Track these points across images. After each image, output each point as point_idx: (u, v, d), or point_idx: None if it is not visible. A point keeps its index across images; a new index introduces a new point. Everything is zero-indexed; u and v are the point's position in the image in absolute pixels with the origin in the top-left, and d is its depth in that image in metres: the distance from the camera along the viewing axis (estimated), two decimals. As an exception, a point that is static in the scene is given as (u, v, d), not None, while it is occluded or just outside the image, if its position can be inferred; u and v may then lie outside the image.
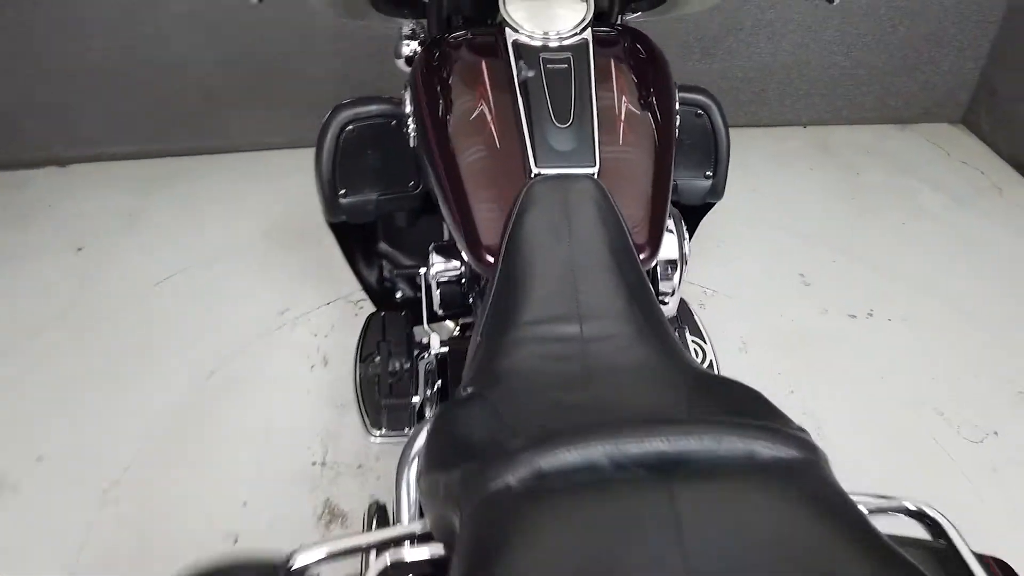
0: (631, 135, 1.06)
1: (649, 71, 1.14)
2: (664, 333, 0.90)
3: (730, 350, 1.98)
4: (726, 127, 1.41)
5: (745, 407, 0.71)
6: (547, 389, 0.83)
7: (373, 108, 1.30)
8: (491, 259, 0.97)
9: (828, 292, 2.22)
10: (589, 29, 1.08)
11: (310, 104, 2.69)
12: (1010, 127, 2.80)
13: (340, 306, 2.09)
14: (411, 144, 1.17)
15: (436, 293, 1.31)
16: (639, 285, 0.93)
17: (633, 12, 1.41)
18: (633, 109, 1.08)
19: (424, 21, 1.41)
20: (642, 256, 0.99)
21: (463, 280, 1.30)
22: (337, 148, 1.31)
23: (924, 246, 2.40)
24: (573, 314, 0.90)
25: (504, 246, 0.95)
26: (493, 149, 1.02)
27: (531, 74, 1.02)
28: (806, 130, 2.98)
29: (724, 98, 1.36)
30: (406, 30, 1.45)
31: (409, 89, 1.17)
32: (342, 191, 1.33)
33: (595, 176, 0.98)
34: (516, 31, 1.07)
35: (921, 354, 2.02)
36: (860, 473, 1.67)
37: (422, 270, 1.53)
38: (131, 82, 2.62)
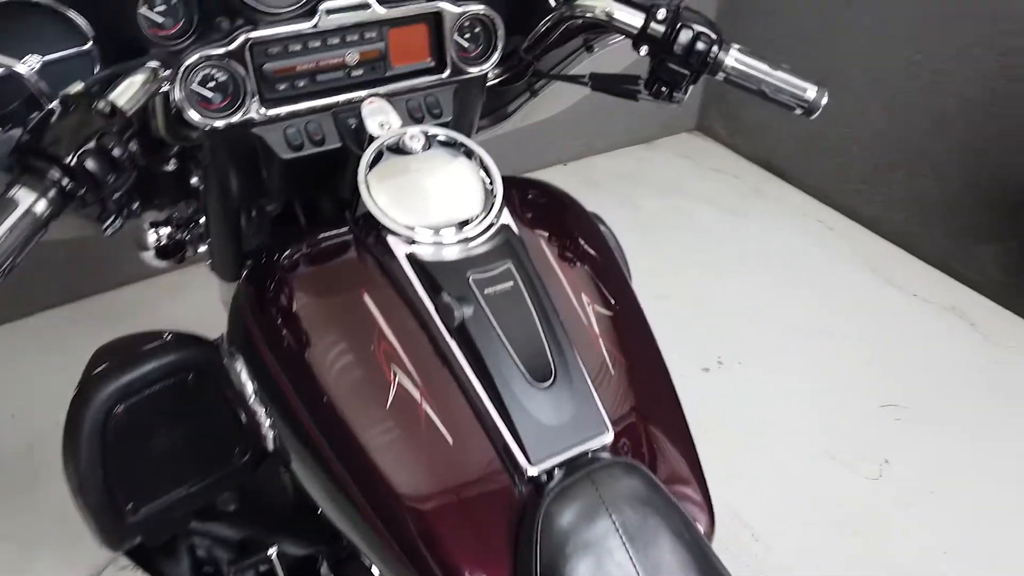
0: (616, 351, 0.72)
1: (579, 237, 0.81)
2: None
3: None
4: (622, 252, 1.14)
5: None
6: None
7: (151, 366, 0.80)
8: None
9: (669, 347, 2.05)
10: (506, 209, 0.71)
11: None
12: (745, 130, 2.90)
13: (112, 577, 1.47)
14: (268, 447, 0.72)
15: None
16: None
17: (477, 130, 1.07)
18: (601, 309, 0.74)
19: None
20: (703, 530, 0.66)
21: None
22: (105, 446, 0.79)
23: (727, 270, 2.36)
24: None
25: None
26: (442, 448, 0.62)
27: (469, 312, 0.63)
28: (568, 167, 2.84)
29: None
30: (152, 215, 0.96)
31: (238, 353, 0.71)
32: (128, 505, 0.82)
33: (610, 445, 0.64)
34: (397, 235, 0.67)
35: (784, 393, 1.93)
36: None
37: (271, 551, 1.05)
38: None
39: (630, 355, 0.71)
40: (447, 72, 0.82)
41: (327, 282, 0.71)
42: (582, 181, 2.77)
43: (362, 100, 0.76)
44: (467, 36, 0.83)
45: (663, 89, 0.78)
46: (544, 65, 0.92)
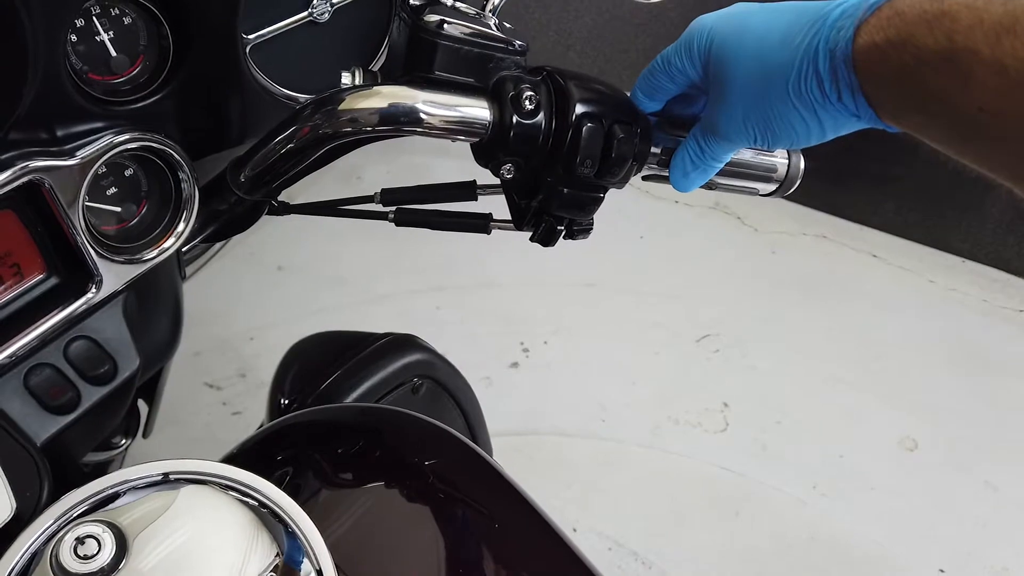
0: None
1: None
2: None
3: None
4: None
5: None
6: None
7: None
8: None
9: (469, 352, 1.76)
10: None
11: None
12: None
13: None
14: None
15: None
16: None
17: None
18: None
19: None
20: None
21: None
22: None
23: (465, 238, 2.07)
24: None
25: None
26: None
27: None
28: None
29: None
30: None
31: None
32: None
33: None
34: None
35: (602, 364, 1.73)
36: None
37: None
38: None
39: None
40: (97, 288, 0.39)
41: None
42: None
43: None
44: (115, 195, 0.40)
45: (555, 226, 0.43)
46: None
